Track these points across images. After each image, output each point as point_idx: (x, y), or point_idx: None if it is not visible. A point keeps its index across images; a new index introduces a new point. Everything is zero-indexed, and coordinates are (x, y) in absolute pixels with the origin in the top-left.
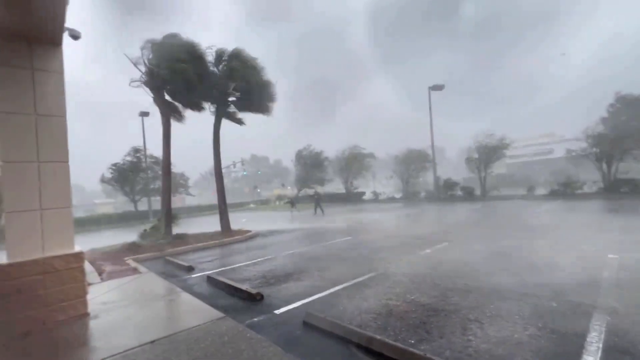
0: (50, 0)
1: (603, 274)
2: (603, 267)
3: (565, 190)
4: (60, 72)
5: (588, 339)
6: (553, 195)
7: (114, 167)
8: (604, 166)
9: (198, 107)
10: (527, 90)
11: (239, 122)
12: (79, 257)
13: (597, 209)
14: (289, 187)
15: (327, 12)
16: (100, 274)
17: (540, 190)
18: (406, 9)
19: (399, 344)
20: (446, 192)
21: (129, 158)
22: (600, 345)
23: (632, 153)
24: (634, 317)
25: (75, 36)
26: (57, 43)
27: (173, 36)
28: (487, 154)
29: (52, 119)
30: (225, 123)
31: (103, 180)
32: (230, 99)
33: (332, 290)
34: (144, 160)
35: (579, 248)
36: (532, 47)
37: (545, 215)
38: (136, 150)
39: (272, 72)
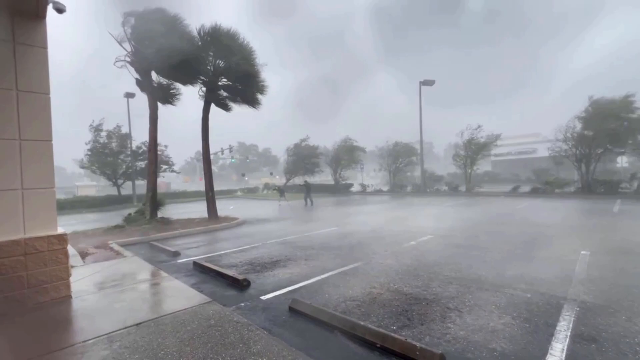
0: None
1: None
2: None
3: (546, 189)
4: (43, 46)
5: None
6: (534, 193)
7: (89, 153)
8: (582, 167)
9: (187, 81)
10: (520, 88)
11: (226, 108)
12: (62, 238)
13: (571, 208)
14: (277, 177)
15: (328, 7)
16: (83, 257)
17: (523, 188)
18: (409, 5)
19: (381, 330)
20: (432, 186)
21: (103, 140)
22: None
23: (608, 155)
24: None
25: (60, 9)
26: (40, 16)
27: (158, 11)
28: (474, 150)
29: (35, 96)
30: (214, 108)
31: (83, 165)
32: (220, 83)
33: (318, 278)
34: (118, 141)
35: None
36: (530, 46)
37: (522, 211)
38: (97, 129)
39: (270, 64)
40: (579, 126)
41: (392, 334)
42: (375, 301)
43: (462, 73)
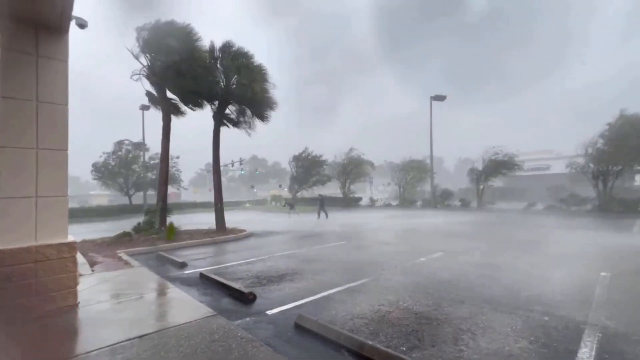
0: None
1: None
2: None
3: (561, 207)
4: (64, 60)
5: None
6: (549, 210)
7: (95, 167)
8: (600, 184)
9: (197, 105)
10: (529, 100)
11: (237, 125)
12: (71, 247)
13: (589, 227)
14: (285, 189)
15: (330, 12)
16: (91, 265)
17: (537, 206)
18: (411, 10)
19: (390, 350)
20: (443, 201)
21: (118, 152)
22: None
23: (627, 172)
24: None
25: (82, 25)
26: (63, 31)
27: (168, 24)
28: (493, 168)
29: (54, 107)
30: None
31: (95, 177)
32: (230, 104)
33: (325, 293)
34: (132, 152)
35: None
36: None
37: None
38: (120, 144)
39: (274, 75)
40: (600, 142)
41: (402, 356)
42: (384, 319)
43: (465, 74)
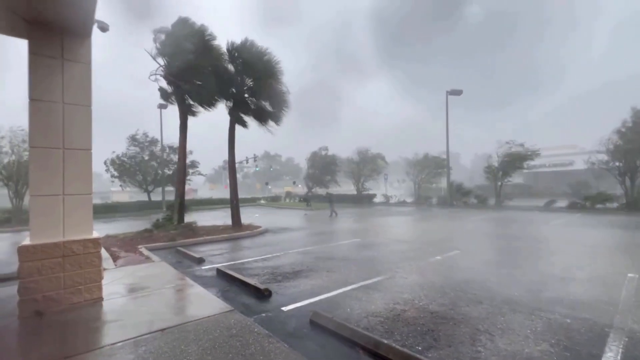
0: None
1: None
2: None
3: (585, 204)
4: (88, 62)
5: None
6: (572, 208)
7: (111, 164)
8: (627, 181)
9: (212, 105)
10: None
11: (244, 125)
12: (96, 242)
13: (614, 225)
14: (299, 185)
15: (336, 13)
16: (114, 260)
17: (559, 203)
18: (427, 7)
19: (406, 350)
20: (460, 198)
21: (132, 148)
22: None
23: None
24: None
25: (103, 28)
26: (86, 35)
27: (183, 22)
28: (509, 163)
29: (79, 108)
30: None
31: (113, 176)
32: (246, 99)
33: (340, 290)
34: (149, 147)
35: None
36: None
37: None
38: (133, 139)
39: (287, 72)
40: (622, 138)
41: (418, 356)
42: (399, 318)
43: (482, 80)
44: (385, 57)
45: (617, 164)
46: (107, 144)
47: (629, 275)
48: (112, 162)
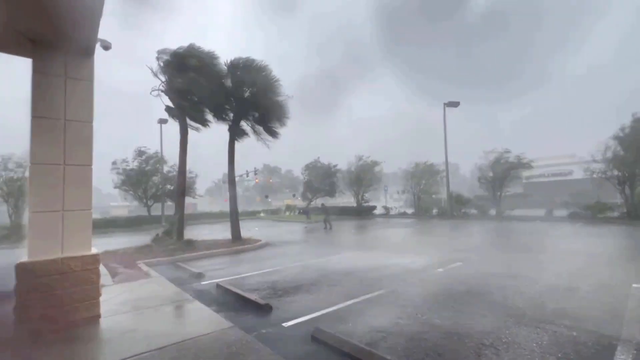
0: (86, 14)
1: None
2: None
3: (586, 214)
4: (90, 80)
5: None
6: (573, 218)
7: (115, 169)
8: (627, 190)
9: (209, 122)
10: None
11: (242, 137)
12: (95, 258)
13: (615, 235)
14: (299, 198)
15: (339, 16)
16: (113, 276)
17: (559, 212)
18: (424, 12)
19: None
20: (459, 209)
21: (135, 162)
22: None
23: None
24: None
25: (106, 47)
26: (89, 53)
27: (189, 48)
28: (502, 173)
29: (80, 124)
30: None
31: (116, 186)
32: (245, 117)
33: (341, 305)
34: (152, 163)
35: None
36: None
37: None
38: (140, 153)
39: (283, 80)
40: (618, 146)
41: None
42: (403, 333)
43: (464, 75)
44: (384, 63)
45: (615, 172)
46: (105, 154)
47: (634, 285)
48: (118, 168)
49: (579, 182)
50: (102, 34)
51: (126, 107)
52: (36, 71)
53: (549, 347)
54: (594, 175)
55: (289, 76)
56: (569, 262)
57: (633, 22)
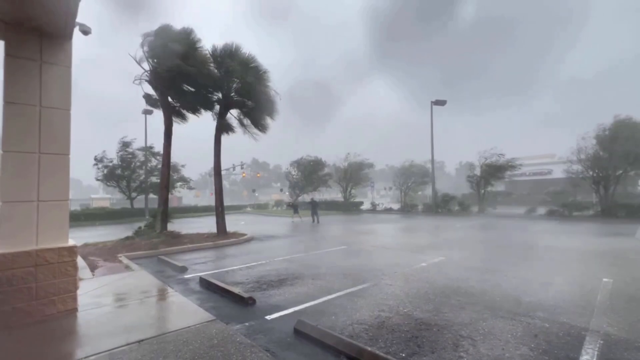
0: None
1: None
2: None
3: (563, 212)
4: (67, 65)
5: None
6: (550, 215)
7: (98, 163)
8: (601, 189)
9: (197, 111)
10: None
11: (230, 130)
12: (72, 251)
13: (589, 232)
14: (286, 193)
15: (329, 19)
16: (92, 269)
17: (539, 210)
18: (412, 13)
19: (389, 357)
20: (444, 206)
21: (120, 153)
22: None
23: (629, 177)
24: None
25: (85, 32)
26: (67, 37)
27: (166, 29)
28: (491, 173)
29: (56, 112)
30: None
31: (98, 178)
32: (232, 109)
33: (325, 298)
34: (136, 154)
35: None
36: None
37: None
38: (125, 144)
39: (274, 79)
40: (594, 147)
41: None
42: (384, 325)
43: (466, 87)
44: (375, 63)
45: (591, 173)
46: (91, 147)
47: (604, 280)
48: (101, 160)
49: (557, 182)
50: (98, 33)
51: (103, 93)
52: (8, 54)
53: (522, 337)
54: (572, 175)
55: (280, 77)
56: (544, 256)
57: (612, 28)
